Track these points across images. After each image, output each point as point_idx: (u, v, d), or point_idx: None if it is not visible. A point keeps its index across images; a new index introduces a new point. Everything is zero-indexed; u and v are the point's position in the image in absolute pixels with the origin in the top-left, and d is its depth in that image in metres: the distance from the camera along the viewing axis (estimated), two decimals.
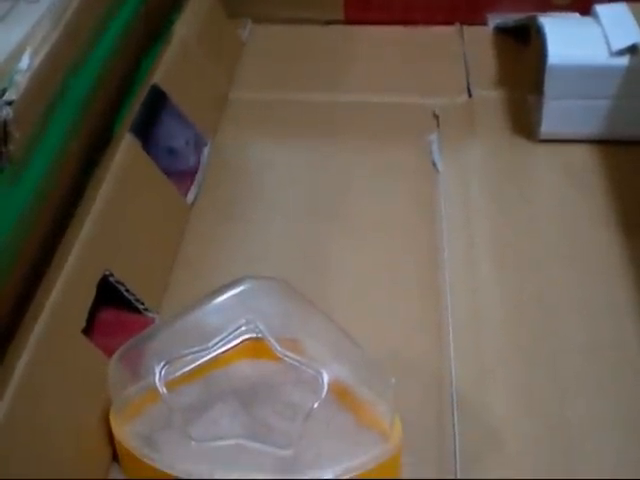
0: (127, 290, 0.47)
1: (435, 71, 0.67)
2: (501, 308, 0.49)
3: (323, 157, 0.61)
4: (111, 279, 0.47)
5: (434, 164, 0.59)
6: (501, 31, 0.71)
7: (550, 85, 0.57)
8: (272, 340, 0.38)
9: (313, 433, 0.39)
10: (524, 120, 0.62)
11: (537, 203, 0.56)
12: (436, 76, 0.67)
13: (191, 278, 0.51)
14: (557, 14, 0.63)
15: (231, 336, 0.39)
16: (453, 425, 0.43)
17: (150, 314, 0.48)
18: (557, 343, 0.47)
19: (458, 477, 0.41)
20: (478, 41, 0.70)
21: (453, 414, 0.44)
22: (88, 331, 0.45)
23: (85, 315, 0.44)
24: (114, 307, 0.49)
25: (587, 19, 0.60)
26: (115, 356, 0.40)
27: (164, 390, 0.38)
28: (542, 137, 0.60)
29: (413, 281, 0.51)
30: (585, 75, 0.57)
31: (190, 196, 0.56)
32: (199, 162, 0.59)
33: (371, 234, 0.54)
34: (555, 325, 0.48)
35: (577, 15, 0.63)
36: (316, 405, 0.37)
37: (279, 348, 0.38)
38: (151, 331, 0.41)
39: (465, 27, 0.72)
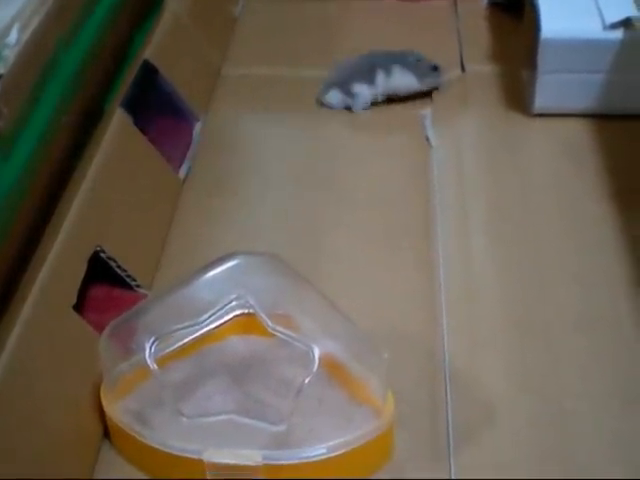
0: (118, 266, 0.47)
1: (429, 45, 0.66)
2: (495, 282, 0.49)
3: (316, 132, 0.60)
4: (102, 255, 0.46)
5: (427, 139, 0.59)
6: (495, 5, 0.71)
7: (543, 59, 0.57)
8: (263, 315, 0.38)
9: (306, 409, 0.39)
10: (518, 94, 0.61)
11: (531, 177, 0.56)
12: (430, 50, 0.65)
13: (184, 253, 0.51)
14: None
15: (222, 311, 0.38)
16: (446, 400, 0.43)
17: (142, 290, 0.48)
18: (551, 317, 0.47)
19: (451, 451, 0.41)
20: (472, 16, 0.70)
21: (446, 389, 0.43)
22: (80, 307, 0.45)
23: (76, 291, 0.44)
24: (106, 283, 0.48)
25: None
26: (105, 332, 0.40)
27: (155, 366, 0.38)
28: (536, 111, 0.59)
29: (407, 255, 0.51)
30: (579, 49, 0.56)
31: (182, 171, 0.56)
32: (191, 137, 0.59)
33: (365, 208, 0.54)
34: (549, 299, 0.48)
35: None
36: (307, 380, 0.37)
37: (270, 324, 0.38)
38: (142, 307, 0.41)
39: (459, 1, 0.72)
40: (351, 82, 0.60)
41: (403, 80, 0.60)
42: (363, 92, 0.60)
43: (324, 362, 0.39)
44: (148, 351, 0.37)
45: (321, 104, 0.61)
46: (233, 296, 0.38)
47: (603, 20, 0.56)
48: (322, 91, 0.61)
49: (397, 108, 0.62)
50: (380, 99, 0.61)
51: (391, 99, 0.61)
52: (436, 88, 0.62)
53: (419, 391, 0.44)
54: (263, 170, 0.57)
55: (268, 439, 0.39)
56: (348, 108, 0.61)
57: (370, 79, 0.60)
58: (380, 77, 0.60)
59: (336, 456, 0.39)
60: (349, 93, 0.60)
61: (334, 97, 0.61)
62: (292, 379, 0.39)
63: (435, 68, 0.61)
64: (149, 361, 0.38)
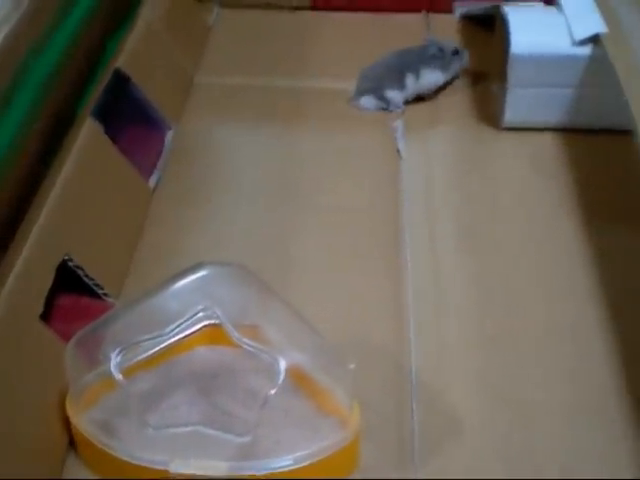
0: (86, 275, 0.47)
1: None
2: (462, 293, 0.49)
3: (288, 141, 0.60)
4: (70, 264, 0.46)
5: (398, 151, 0.59)
6: (467, 19, 0.71)
7: (513, 74, 0.57)
8: (229, 326, 0.38)
9: (272, 420, 0.39)
10: (489, 108, 0.62)
11: (500, 189, 0.56)
12: None
13: (153, 262, 0.51)
14: (521, 3, 0.63)
15: (189, 322, 0.38)
16: (412, 410, 0.43)
17: (110, 299, 0.48)
18: (517, 327, 0.47)
19: (416, 461, 0.41)
20: (443, 29, 0.70)
21: (412, 399, 0.44)
22: (47, 316, 0.44)
23: (43, 300, 0.43)
24: (74, 292, 0.48)
25: (551, 9, 0.60)
26: (71, 342, 0.40)
27: (120, 377, 0.37)
28: (506, 125, 0.60)
29: (376, 266, 0.51)
30: (548, 64, 0.57)
31: (153, 180, 0.56)
32: (163, 146, 0.58)
33: (335, 218, 0.54)
34: (515, 309, 0.48)
35: (541, 4, 0.63)
36: (273, 392, 0.37)
37: (236, 335, 0.38)
38: (108, 317, 0.41)
39: (431, 15, 0.72)
40: (383, 88, 0.63)
41: (431, 78, 0.63)
42: (395, 97, 0.63)
43: (291, 373, 0.39)
44: (114, 361, 0.37)
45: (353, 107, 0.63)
46: (200, 307, 0.38)
47: (572, 36, 0.57)
48: (355, 97, 0.63)
49: (368, 119, 0.62)
50: (411, 99, 0.63)
51: (421, 97, 0.63)
52: (457, 77, 0.65)
53: (386, 401, 0.44)
54: (234, 179, 0.57)
55: (234, 450, 0.39)
56: (384, 109, 0.63)
57: (401, 84, 0.63)
58: (410, 80, 0.63)
59: (303, 467, 0.39)
60: (382, 98, 0.62)
61: (368, 102, 0.63)
62: (258, 390, 0.39)
63: (456, 51, 0.64)
64: (114, 372, 0.37)
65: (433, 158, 0.58)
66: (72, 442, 0.42)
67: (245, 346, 0.38)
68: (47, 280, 0.45)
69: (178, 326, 0.38)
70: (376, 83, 0.63)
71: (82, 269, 0.47)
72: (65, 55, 0.54)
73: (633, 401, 0.44)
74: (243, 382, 0.41)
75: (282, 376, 0.37)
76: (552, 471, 0.41)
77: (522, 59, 0.57)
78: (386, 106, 0.62)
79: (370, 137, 0.60)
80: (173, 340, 0.40)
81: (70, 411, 0.41)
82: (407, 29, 0.71)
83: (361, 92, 0.63)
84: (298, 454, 0.39)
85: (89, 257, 0.48)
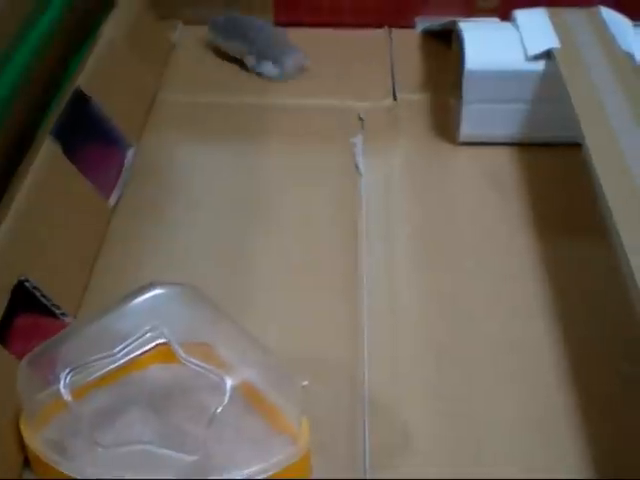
0: (43, 295, 0.47)
1: (362, 74, 0.68)
2: (416, 310, 0.50)
3: (248, 159, 0.61)
4: (27, 284, 0.47)
5: (357, 167, 0.60)
6: (428, 35, 0.72)
7: (468, 89, 0.58)
8: (175, 345, 0.38)
9: (223, 437, 0.39)
10: (446, 123, 0.63)
11: (456, 205, 0.57)
12: (363, 79, 0.68)
13: (111, 281, 0.52)
14: (477, 19, 0.64)
15: (137, 342, 0.39)
16: (364, 426, 0.44)
17: (68, 319, 0.49)
18: (469, 343, 0.48)
19: (367, 477, 0.42)
20: (405, 44, 0.71)
21: (364, 415, 0.44)
22: (5, 337, 0.45)
23: None
24: (33, 313, 0.49)
25: (506, 24, 0.61)
26: (23, 362, 0.40)
27: (69, 397, 0.38)
28: (462, 140, 0.61)
29: (332, 283, 0.52)
30: (502, 80, 0.58)
31: (112, 198, 0.57)
32: (123, 164, 0.59)
33: (293, 236, 0.55)
34: (468, 326, 0.49)
35: (497, 20, 0.64)
36: (219, 410, 0.37)
37: (182, 354, 0.38)
38: (60, 337, 0.41)
39: (393, 30, 0.73)
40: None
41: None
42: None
43: (243, 390, 0.39)
44: (63, 382, 0.38)
45: None
46: (148, 327, 0.39)
47: (525, 52, 0.58)
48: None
49: (329, 135, 0.63)
50: None
51: None
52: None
53: (339, 417, 0.44)
54: (195, 196, 0.58)
55: (185, 468, 0.39)
56: None
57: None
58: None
59: None
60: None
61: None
62: (209, 408, 0.39)
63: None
64: (64, 392, 0.38)
65: (391, 174, 0.59)
66: (27, 461, 0.42)
67: (191, 365, 0.38)
68: (3, 301, 0.45)
69: (127, 346, 0.39)
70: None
71: (39, 289, 0.47)
72: (25, 77, 0.54)
73: (582, 416, 0.44)
74: (196, 400, 0.41)
75: (228, 394, 0.38)
76: None
77: (476, 75, 0.58)
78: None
79: (330, 153, 0.61)
80: (125, 360, 0.40)
81: (24, 431, 0.41)
82: (369, 45, 0.72)
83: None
84: (249, 470, 0.39)
85: (46, 277, 0.48)
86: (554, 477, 0.42)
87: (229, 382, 0.38)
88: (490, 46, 0.59)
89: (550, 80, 0.57)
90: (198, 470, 0.39)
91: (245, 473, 0.39)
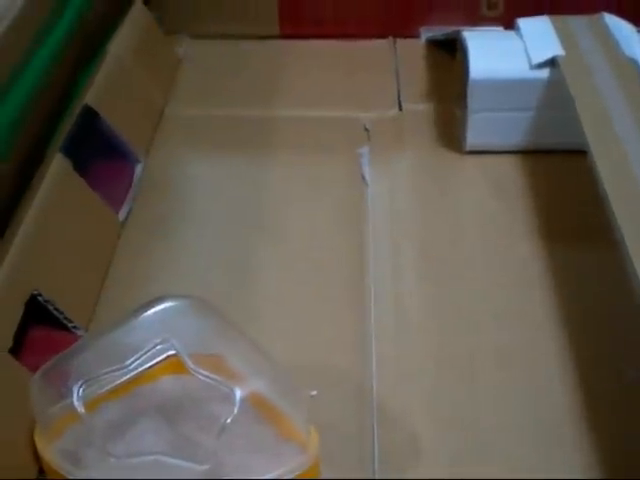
0: (56, 309, 0.48)
1: (367, 85, 0.69)
2: (423, 319, 0.51)
3: (255, 172, 0.62)
4: (40, 298, 0.47)
5: (363, 177, 0.60)
6: (432, 44, 0.73)
7: (473, 99, 0.59)
8: (185, 357, 0.39)
9: (233, 447, 0.40)
10: (452, 133, 0.63)
11: (463, 214, 0.58)
12: (368, 90, 0.68)
13: (121, 295, 0.52)
14: (481, 28, 0.65)
15: (148, 354, 0.39)
16: (373, 434, 0.44)
17: (80, 332, 0.49)
18: (475, 351, 0.49)
19: None
20: (410, 54, 0.72)
21: (373, 422, 0.45)
22: (18, 350, 0.46)
23: (12, 334, 0.45)
24: (46, 326, 0.49)
25: (510, 33, 0.62)
26: (37, 375, 0.41)
27: (82, 409, 0.39)
28: (468, 149, 0.61)
29: (339, 293, 0.52)
30: (506, 88, 0.58)
31: (122, 213, 0.57)
32: (132, 179, 0.60)
33: (299, 247, 0.55)
34: (474, 334, 0.50)
35: (501, 29, 0.65)
36: (229, 420, 0.38)
37: (192, 365, 0.39)
38: (71, 350, 0.42)
39: (398, 40, 0.74)
40: None
41: None
42: None
43: (252, 401, 0.40)
44: (76, 394, 0.38)
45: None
46: (158, 340, 0.39)
47: (530, 60, 0.59)
48: None
49: (335, 146, 0.63)
50: None
51: None
52: None
53: (347, 426, 0.45)
54: (203, 210, 0.59)
55: (196, 478, 0.40)
56: None
57: None
58: None
59: None
60: None
61: None
62: (219, 418, 0.40)
63: None
64: (77, 404, 0.39)
65: (398, 184, 0.60)
66: (42, 472, 0.43)
67: (200, 376, 0.39)
68: (16, 315, 0.46)
69: (138, 358, 0.39)
70: None
71: (52, 303, 0.48)
72: (34, 95, 0.55)
73: (588, 422, 0.45)
74: (206, 410, 0.42)
75: (238, 405, 0.38)
76: None
77: (480, 84, 0.58)
78: None
79: (336, 164, 0.62)
80: (137, 372, 0.41)
81: (38, 442, 0.42)
82: (374, 55, 0.72)
83: None
84: (261, 479, 0.40)
85: (59, 291, 0.49)
86: (560, 478, 0.42)
87: (238, 393, 0.38)
88: (494, 55, 0.59)
89: (554, 88, 0.58)
90: (209, 479, 0.39)
91: None
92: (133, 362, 0.39)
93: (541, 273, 0.53)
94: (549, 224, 0.56)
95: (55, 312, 0.48)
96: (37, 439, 0.42)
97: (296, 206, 0.58)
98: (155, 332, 0.40)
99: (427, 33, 0.73)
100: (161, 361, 0.41)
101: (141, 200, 0.59)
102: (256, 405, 0.40)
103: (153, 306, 0.41)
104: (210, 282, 0.53)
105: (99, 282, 0.53)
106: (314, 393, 0.42)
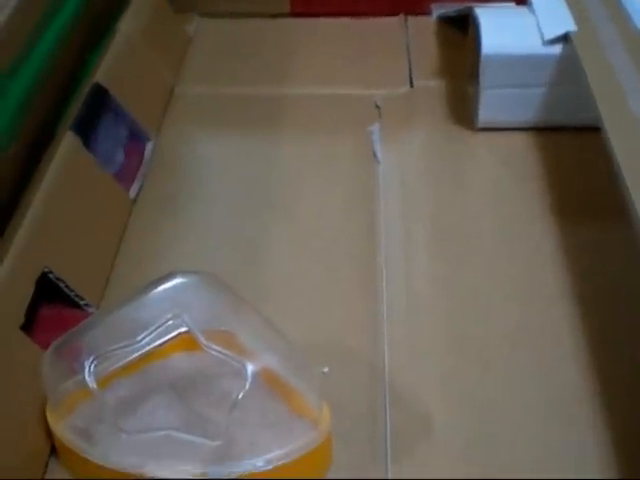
0: (67, 286, 0.48)
1: (378, 62, 0.68)
2: (435, 298, 0.50)
3: (266, 150, 0.61)
4: (50, 276, 0.47)
5: (375, 154, 0.60)
6: (444, 21, 0.72)
7: (485, 75, 0.58)
8: (197, 333, 0.39)
9: (245, 422, 0.40)
10: (464, 109, 0.63)
11: (475, 191, 0.57)
12: (379, 67, 0.68)
13: (132, 272, 0.52)
14: (493, 4, 0.64)
15: (159, 330, 0.39)
16: (385, 412, 0.44)
17: (91, 309, 0.49)
18: (488, 328, 0.48)
19: (389, 461, 0.42)
20: (421, 31, 0.71)
21: (385, 401, 0.45)
22: (30, 328, 0.46)
23: (23, 312, 0.45)
24: (57, 304, 0.49)
25: (522, 9, 0.61)
26: (48, 352, 0.41)
27: (94, 385, 0.39)
28: (480, 126, 0.61)
29: (350, 271, 0.52)
30: (519, 64, 0.58)
31: (133, 191, 0.57)
32: (143, 157, 0.60)
33: (310, 225, 0.55)
34: (487, 311, 0.49)
35: (513, 5, 0.64)
36: (240, 396, 0.38)
37: (204, 340, 0.39)
38: (82, 326, 0.42)
39: (409, 17, 0.73)
40: None
41: None
42: None
43: (264, 376, 0.40)
44: (87, 370, 0.38)
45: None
46: (169, 315, 0.39)
47: (542, 35, 0.58)
48: None
49: (346, 124, 0.63)
50: None
51: None
52: None
53: (359, 404, 0.45)
54: (213, 188, 0.58)
55: (208, 453, 0.40)
56: None
57: None
58: None
59: (277, 468, 0.40)
60: None
61: None
62: (231, 394, 0.40)
63: None
64: (89, 380, 0.39)
65: (409, 161, 0.59)
66: (54, 449, 0.43)
67: (212, 352, 0.38)
68: (28, 292, 0.46)
69: (149, 334, 0.39)
70: None
71: (63, 281, 0.48)
72: (44, 72, 0.55)
73: (603, 400, 0.45)
74: (218, 387, 0.42)
75: (250, 380, 0.38)
76: (518, 467, 0.42)
77: (493, 60, 0.58)
78: None
79: (347, 142, 0.61)
80: (148, 348, 0.41)
81: (50, 419, 0.42)
82: (385, 32, 0.72)
83: None
84: (272, 455, 0.40)
85: (70, 268, 0.49)
86: (574, 460, 0.42)
87: (250, 368, 0.38)
88: (506, 31, 0.59)
89: (567, 63, 0.57)
90: (221, 455, 0.39)
91: (267, 457, 0.39)
92: (144, 338, 0.39)
93: (554, 251, 0.53)
94: (562, 201, 0.56)
95: (66, 290, 0.48)
96: (49, 415, 0.42)
97: (307, 184, 0.58)
98: (166, 308, 0.40)
99: (438, 10, 0.73)
100: (172, 338, 0.41)
101: (151, 178, 0.59)
102: (268, 381, 0.40)
103: (164, 282, 0.41)
104: (220, 260, 0.53)
105: (110, 259, 0.53)
106: (326, 370, 0.41)
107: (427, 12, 0.73)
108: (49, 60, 0.56)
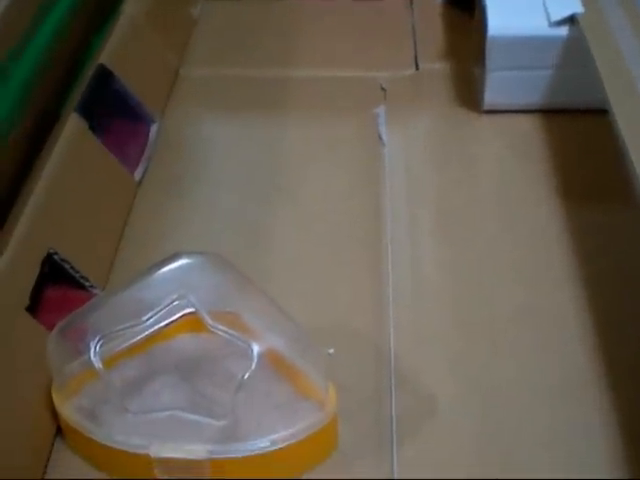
0: (72, 267, 0.48)
1: (384, 44, 0.68)
2: (441, 279, 0.50)
3: (271, 132, 0.61)
4: (55, 257, 0.47)
5: (380, 137, 0.60)
6: (449, 3, 0.72)
7: (491, 57, 0.58)
8: (203, 313, 0.39)
9: (250, 403, 0.40)
10: (469, 92, 0.62)
11: (480, 174, 0.57)
12: (384, 49, 0.67)
13: (137, 254, 0.52)
14: None
15: (164, 311, 0.39)
16: (390, 394, 0.44)
17: (96, 290, 0.49)
18: (493, 310, 0.48)
19: (395, 442, 0.42)
20: (427, 13, 0.71)
21: (391, 383, 0.45)
22: (35, 309, 0.46)
23: (28, 293, 0.45)
24: (62, 285, 0.49)
25: None
26: (53, 333, 0.41)
27: (100, 365, 0.39)
28: (486, 108, 0.60)
29: (355, 253, 0.52)
30: (525, 46, 0.58)
31: (138, 173, 0.57)
32: (147, 139, 0.59)
33: (316, 207, 0.55)
34: (492, 293, 0.49)
35: None
36: (246, 376, 0.38)
37: (210, 321, 0.39)
38: (88, 307, 0.42)
39: None
40: None
41: None
42: None
43: (270, 357, 0.40)
44: (93, 350, 0.38)
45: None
46: (175, 296, 0.39)
47: (549, 17, 0.58)
48: None
49: (352, 106, 0.63)
50: None
51: None
52: None
53: (364, 385, 0.45)
54: (217, 171, 0.58)
55: (214, 434, 0.40)
56: None
57: None
58: None
59: (282, 448, 0.40)
60: None
61: None
62: (236, 374, 0.40)
63: None
64: (94, 360, 0.39)
65: (414, 143, 0.59)
66: (60, 430, 0.43)
67: (219, 332, 0.38)
68: (33, 274, 0.46)
69: (154, 314, 0.39)
70: None
71: (68, 262, 0.48)
72: (47, 55, 0.55)
73: (609, 382, 0.44)
74: (223, 367, 0.42)
75: (255, 361, 0.38)
76: (523, 450, 0.42)
77: (499, 42, 0.57)
78: None
79: (353, 124, 0.61)
80: (154, 329, 0.41)
81: (55, 400, 0.42)
82: (391, 14, 0.71)
83: None
84: (277, 435, 0.40)
85: (75, 250, 0.49)
86: (580, 442, 0.42)
87: (256, 348, 0.38)
88: (513, 12, 0.58)
89: (574, 45, 0.57)
90: (227, 435, 0.40)
91: (273, 438, 0.40)
92: (149, 318, 0.39)
93: (559, 234, 0.52)
94: (567, 184, 0.56)
95: (71, 271, 0.48)
96: (54, 396, 0.42)
97: (312, 166, 0.58)
98: (171, 288, 0.40)
99: None
100: (178, 319, 0.41)
101: (156, 160, 0.59)
102: (273, 362, 0.40)
103: (169, 263, 0.41)
104: (225, 242, 0.52)
105: (115, 241, 0.53)
106: (331, 351, 0.41)
107: None
108: (53, 43, 0.56)
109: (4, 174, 0.49)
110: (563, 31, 0.57)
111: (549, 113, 0.60)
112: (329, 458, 0.42)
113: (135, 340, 0.41)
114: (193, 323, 0.42)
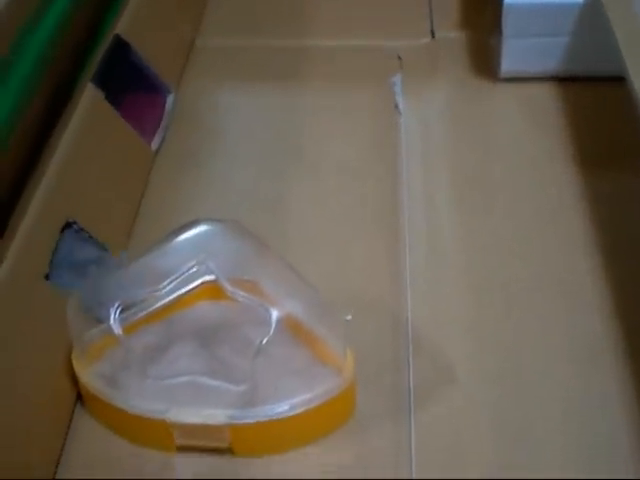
0: (90, 236, 0.48)
1: (399, 13, 0.68)
2: (457, 247, 0.50)
3: (287, 102, 0.61)
4: (74, 226, 0.48)
5: (396, 106, 0.59)
6: None
7: (507, 24, 0.58)
8: (223, 279, 0.39)
9: (270, 368, 0.40)
10: (486, 60, 0.62)
11: (496, 142, 0.57)
12: (400, 18, 0.67)
13: (155, 225, 0.52)
14: None
15: (183, 277, 0.40)
16: (408, 360, 0.44)
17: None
18: (510, 277, 0.48)
19: (412, 409, 0.42)
20: None
21: (408, 349, 0.45)
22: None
23: (47, 262, 0.45)
24: None
25: None
26: (72, 300, 0.41)
27: (120, 331, 0.39)
28: (503, 76, 0.60)
29: (373, 222, 0.52)
30: (541, 13, 0.57)
31: (154, 143, 0.57)
32: (164, 110, 0.60)
33: (332, 176, 0.55)
34: (509, 260, 0.49)
35: None
36: (265, 341, 0.38)
37: (229, 287, 0.39)
38: (107, 274, 0.42)
39: None
40: None
41: None
42: None
43: (288, 323, 0.40)
44: (113, 317, 0.39)
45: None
46: (193, 262, 0.40)
47: None
48: None
49: (368, 75, 0.62)
50: None
51: None
52: None
53: (382, 352, 0.45)
54: (235, 141, 0.58)
55: (233, 399, 0.40)
56: None
57: None
58: None
59: (300, 413, 0.40)
60: None
61: None
62: (255, 341, 0.40)
63: None
64: (114, 326, 0.39)
65: (431, 112, 0.59)
66: (80, 396, 0.43)
67: (239, 298, 0.39)
68: (52, 242, 0.46)
69: (173, 281, 0.40)
70: None
71: (86, 231, 0.48)
72: (62, 27, 0.55)
73: (626, 349, 0.44)
74: (242, 334, 0.42)
75: (274, 326, 0.38)
76: (539, 419, 0.42)
77: (515, 9, 0.57)
78: None
79: (369, 93, 0.61)
80: (173, 296, 0.41)
81: (76, 366, 0.42)
82: None
83: None
84: (295, 400, 0.40)
85: (93, 219, 0.49)
86: (597, 408, 0.42)
87: (275, 314, 0.38)
88: None
89: (591, 12, 0.56)
90: (245, 400, 0.40)
91: (291, 402, 0.40)
92: (168, 285, 0.39)
93: (576, 202, 0.52)
94: (585, 151, 0.55)
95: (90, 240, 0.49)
96: (75, 363, 0.42)
97: (329, 136, 0.58)
98: (190, 255, 0.40)
99: None
100: (197, 287, 0.41)
101: (173, 131, 0.59)
102: (292, 327, 0.41)
103: (188, 229, 0.41)
104: (242, 211, 0.52)
105: (133, 211, 0.53)
106: (349, 317, 0.41)
107: None
108: (69, 11, 0.56)
109: (14, 161, 0.49)
110: None
111: (566, 80, 0.60)
112: (346, 424, 0.42)
113: (155, 307, 0.41)
114: (212, 290, 0.43)
